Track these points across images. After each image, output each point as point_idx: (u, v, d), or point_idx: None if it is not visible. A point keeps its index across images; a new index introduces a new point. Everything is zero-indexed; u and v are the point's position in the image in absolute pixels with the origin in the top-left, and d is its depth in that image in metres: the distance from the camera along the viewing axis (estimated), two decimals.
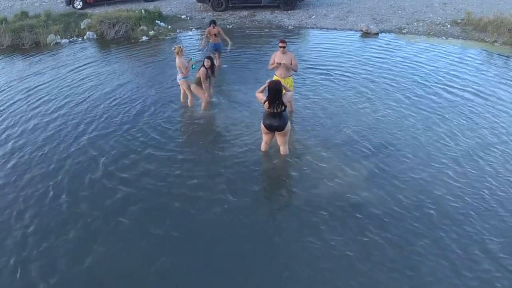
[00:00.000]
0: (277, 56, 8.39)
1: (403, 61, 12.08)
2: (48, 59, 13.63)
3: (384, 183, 6.60)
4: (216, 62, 11.04)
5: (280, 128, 6.88)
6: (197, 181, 6.78)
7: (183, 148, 7.80)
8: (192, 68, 9.11)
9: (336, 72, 11.23)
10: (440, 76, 10.89)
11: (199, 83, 8.83)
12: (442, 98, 9.60)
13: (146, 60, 13.09)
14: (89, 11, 18.98)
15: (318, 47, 13.48)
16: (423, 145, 7.65)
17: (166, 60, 12.89)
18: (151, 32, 15.72)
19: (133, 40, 15.36)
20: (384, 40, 14.29)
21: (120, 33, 15.83)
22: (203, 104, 9.07)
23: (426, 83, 10.46)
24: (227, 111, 9.12)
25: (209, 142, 8.02)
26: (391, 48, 13.31)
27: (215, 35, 11.46)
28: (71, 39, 15.73)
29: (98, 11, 18.50)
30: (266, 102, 6.71)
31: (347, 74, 11.07)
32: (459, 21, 15.82)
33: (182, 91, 9.46)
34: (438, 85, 10.30)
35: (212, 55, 10.95)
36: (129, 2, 20.49)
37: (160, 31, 16.01)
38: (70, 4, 20.07)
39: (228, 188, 6.56)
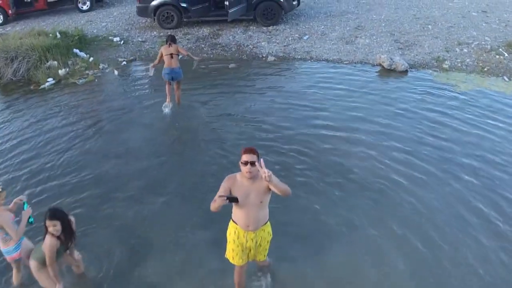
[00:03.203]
0: (237, 186, 4.06)
1: (465, 137, 7.55)
2: None
3: None
4: (173, 95, 8.72)
5: None
6: None
7: None
8: (30, 223, 4.67)
9: (348, 173, 6.66)
10: None
11: (44, 262, 4.35)
12: None
13: (33, 127, 8.50)
14: (8, 28, 14.44)
15: (311, 106, 8.72)
16: None
17: (64, 128, 8.31)
18: (62, 71, 10.78)
19: (33, 86, 10.45)
20: (419, 84, 9.59)
21: (20, 72, 10.92)
22: None
23: None
24: None
25: None
26: (436, 106, 8.60)
27: (171, 55, 8.32)
28: None
29: (19, 28, 14.09)
30: None
31: (363, 179, 6.51)
32: None
33: (14, 271, 4.93)
34: None
35: (168, 84, 8.61)
36: (61, 12, 16.04)
37: (76, 67, 11.10)
38: None
39: None
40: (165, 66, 8.42)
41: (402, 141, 7.46)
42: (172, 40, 8.40)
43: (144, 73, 9.11)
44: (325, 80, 9.77)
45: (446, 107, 8.54)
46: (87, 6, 16.07)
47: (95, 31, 13.63)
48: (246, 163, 3.89)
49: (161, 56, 8.42)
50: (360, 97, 8.98)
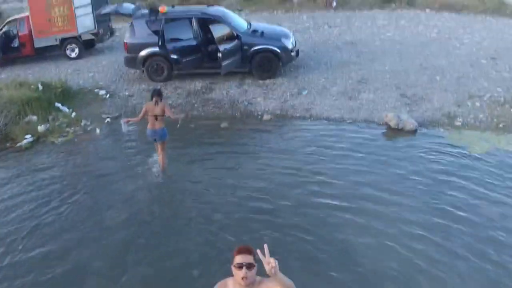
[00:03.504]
0: None
1: (487, 206, 6.66)
2: None
3: None
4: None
5: None
6: None
7: None
8: None
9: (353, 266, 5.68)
10: None
11: None
12: None
13: None
14: None
15: (311, 170, 7.86)
16: None
17: (33, 194, 7.55)
18: (41, 127, 10.12)
19: (9, 143, 9.80)
20: (430, 145, 8.82)
21: None
22: None
23: None
24: None
25: None
26: (451, 170, 7.73)
27: (156, 117, 7.48)
28: None
29: (4, 76, 13.87)
30: None
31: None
32: None
33: None
34: None
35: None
36: (49, 59, 15.72)
37: (58, 122, 10.45)
38: None
39: None
40: (148, 126, 7.70)
41: (416, 212, 6.63)
42: (158, 95, 7.61)
43: (123, 130, 8.34)
44: (326, 142, 8.94)
45: (462, 170, 7.72)
46: (76, 53, 15.68)
47: (81, 82, 13.10)
48: (241, 267, 3.03)
49: (145, 113, 7.68)
50: (364, 160, 8.19)
